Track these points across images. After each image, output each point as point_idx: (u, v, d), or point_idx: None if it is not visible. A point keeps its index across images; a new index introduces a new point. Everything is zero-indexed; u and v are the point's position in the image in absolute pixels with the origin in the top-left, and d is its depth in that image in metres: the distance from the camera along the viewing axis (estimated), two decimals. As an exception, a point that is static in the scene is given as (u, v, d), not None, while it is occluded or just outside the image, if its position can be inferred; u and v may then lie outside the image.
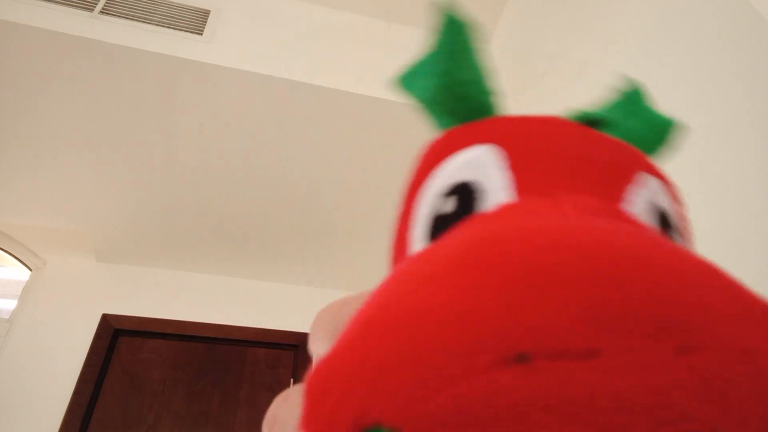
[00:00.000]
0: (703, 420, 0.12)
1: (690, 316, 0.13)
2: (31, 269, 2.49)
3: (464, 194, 0.23)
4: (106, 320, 2.36)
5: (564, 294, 0.13)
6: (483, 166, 0.23)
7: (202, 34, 1.96)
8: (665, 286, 0.13)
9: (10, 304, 2.40)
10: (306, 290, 2.71)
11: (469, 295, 0.14)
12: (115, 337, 2.36)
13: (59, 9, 1.82)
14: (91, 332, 2.32)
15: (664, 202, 0.23)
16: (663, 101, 1.42)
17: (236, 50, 1.96)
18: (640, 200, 0.22)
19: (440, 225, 0.23)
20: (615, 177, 0.22)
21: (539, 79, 1.97)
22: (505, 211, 0.20)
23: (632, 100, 0.31)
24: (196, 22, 2.01)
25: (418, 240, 0.24)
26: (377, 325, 0.15)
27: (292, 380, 2.43)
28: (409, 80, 0.30)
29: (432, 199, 0.24)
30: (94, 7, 1.89)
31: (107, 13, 1.89)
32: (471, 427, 0.12)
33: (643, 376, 0.12)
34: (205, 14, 2.05)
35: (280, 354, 2.49)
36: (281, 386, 2.41)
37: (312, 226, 2.41)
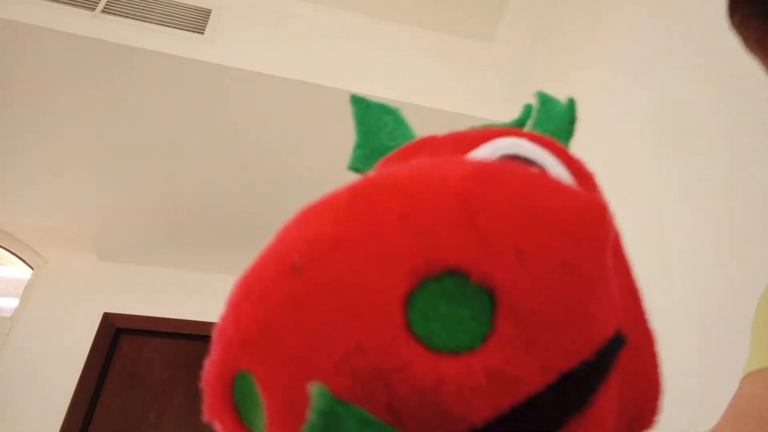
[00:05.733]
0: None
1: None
2: (32, 268, 2.49)
3: None
4: (108, 319, 2.37)
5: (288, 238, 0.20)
6: None
7: (203, 34, 1.96)
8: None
9: (12, 303, 2.41)
10: (307, 289, 2.71)
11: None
12: (117, 336, 2.37)
13: (61, 8, 1.82)
14: (93, 331, 2.32)
15: (519, 149, 0.29)
16: (663, 101, 1.41)
17: (237, 49, 1.96)
18: (487, 150, 0.29)
19: None
20: (470, 143, 0.30)
21: (539, 80, 1.97)
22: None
23: (544, 107, 0.37)
24: (198, 21, 2.01)
25: None
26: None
27: (293, 379, 2.43)
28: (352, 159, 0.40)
29: None
30: (96, 6, 1.89)
31: (109, 12, 1.89)
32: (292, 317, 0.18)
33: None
34: (206, 13, 2.05)
35: (281, 353, 2.49)
36: (282, 385, 2.41)
37: (313, 225, 2.41)
